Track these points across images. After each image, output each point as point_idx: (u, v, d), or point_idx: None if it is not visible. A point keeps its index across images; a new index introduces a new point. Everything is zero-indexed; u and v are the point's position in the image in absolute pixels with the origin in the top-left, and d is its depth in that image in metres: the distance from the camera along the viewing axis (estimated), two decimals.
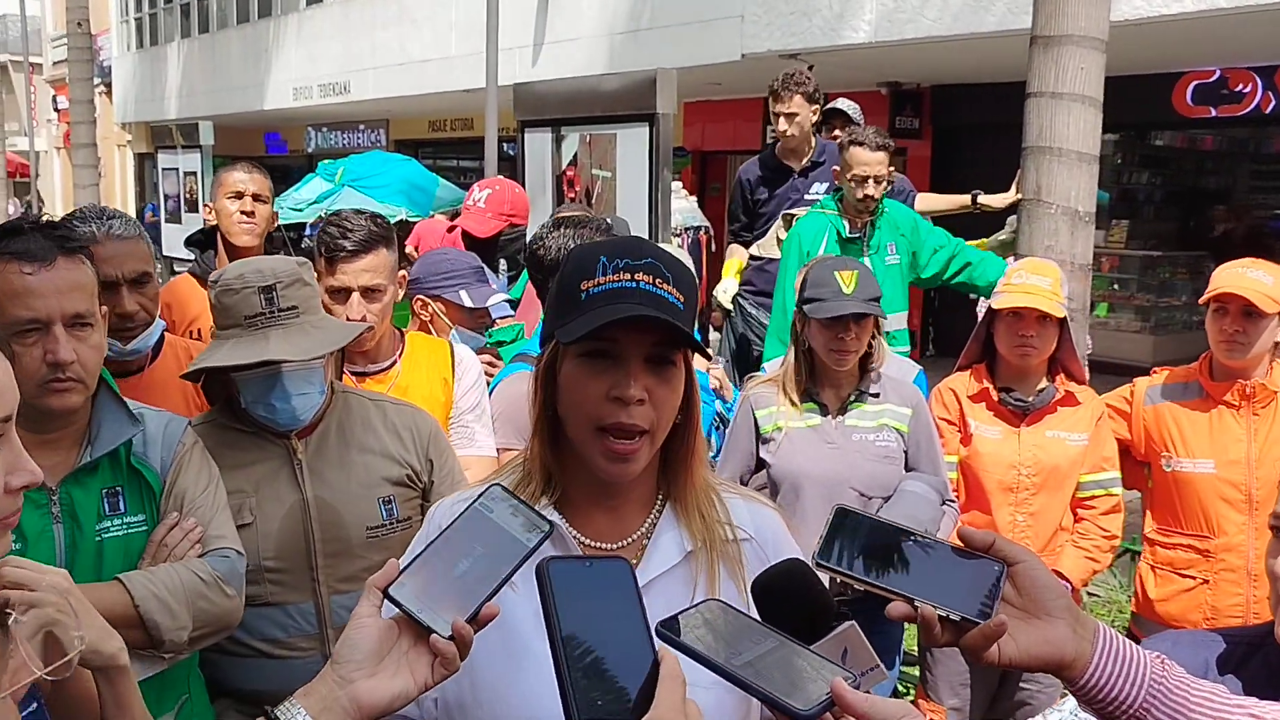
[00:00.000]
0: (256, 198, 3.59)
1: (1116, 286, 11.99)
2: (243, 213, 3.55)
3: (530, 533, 1.12)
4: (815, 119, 4.93)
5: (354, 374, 2.76)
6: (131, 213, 26.56)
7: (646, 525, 1.38)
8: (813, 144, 5.03)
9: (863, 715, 0.97)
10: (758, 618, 1.12)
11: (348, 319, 2.61)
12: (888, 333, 4.32)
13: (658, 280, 1.26)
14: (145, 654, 1.87)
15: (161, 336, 2.63)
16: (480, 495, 1.15)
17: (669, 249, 3.52)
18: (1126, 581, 5.29)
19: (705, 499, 1.39)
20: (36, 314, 1.78)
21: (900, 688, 4.19)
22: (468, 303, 3.34)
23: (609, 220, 3.48)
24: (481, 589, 1.06)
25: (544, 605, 1.02)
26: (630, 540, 1.37)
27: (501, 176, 5.76)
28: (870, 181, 4.21)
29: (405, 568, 1.08)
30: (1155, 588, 3.12)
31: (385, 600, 1.07)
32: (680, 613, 1.09)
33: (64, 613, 1.19)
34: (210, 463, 2.09)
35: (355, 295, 2.64)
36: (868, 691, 1.23)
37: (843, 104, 5.68)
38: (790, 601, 1.14)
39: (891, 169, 4.33)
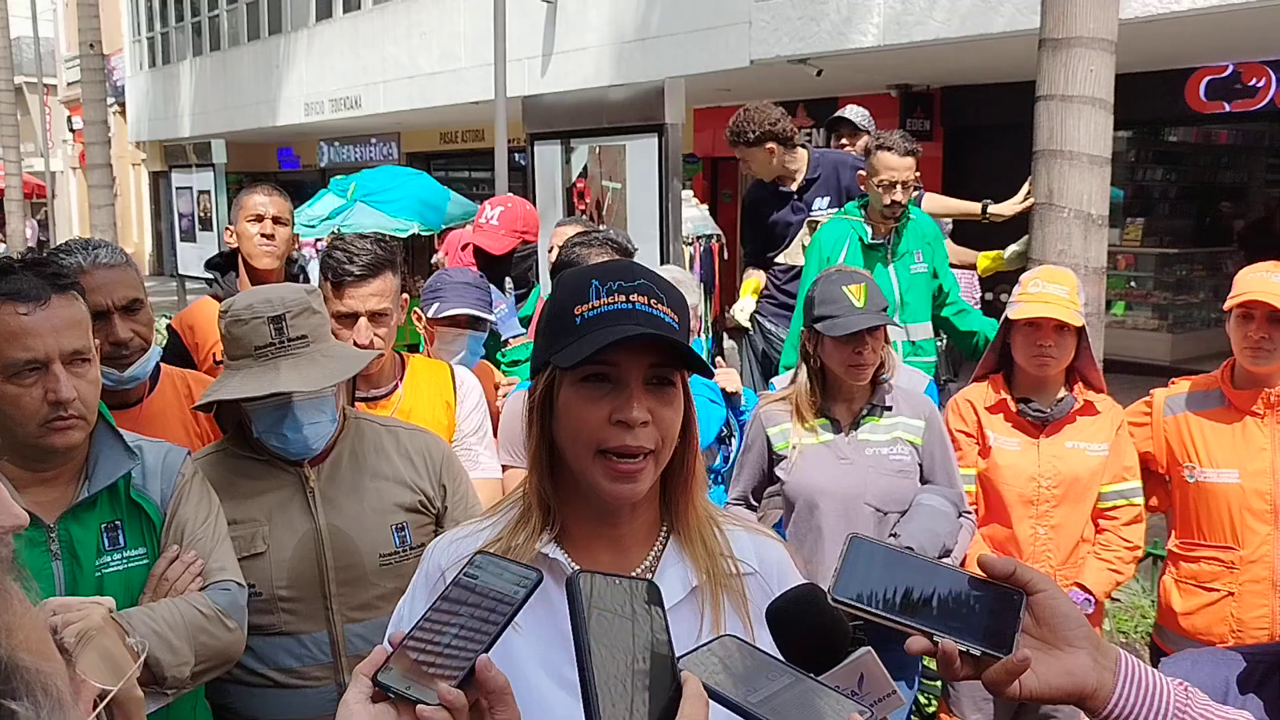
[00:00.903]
0: (277, 220, 3.61)
1: (1133, 284, 11.91)
2: (263, 235, 3.58)
3: (518, 587, 1.09)
4: (776, 155, 4.86)
5: (358, 399, 2.76)
6: (148, 233, 26.81)
7: (650, 559, 1.36)
8: (804, 163, 4.97)
9: None
10: (772, 653, 1.10)
11: (355, 344, 2.62)
12: (914, 342, 4.29)
13: (653, 301, 1.25)
14: (149, 690, 1.86)
15: (158, 366, 2.63)
16: (464, 566, 1.13)
17: (668, 271, 3.54)
18: (1150, 586, 5.23)
19: (708, 530, 1.37)
20: (35, 354, 1.77)
21: (922, 699, 4.15)
22: (429, 313, 3.32)
23: (626, 237, 3.46)
24: (471, 650, 1.04)
25: (573, 618, 1.01)
26: (634, 574, 1.35)
27: (512, 194, 5.76)
28: (898, 187, 4.16)
29: (392, 652, 1.06)
30: (1180, 601, 3.07)
31: (375, 686, 1.04)
32: (693, 649, 1.08)
33: (112, 627, 1.18)
34: (210, 493, 2.09)
35: (363, 320, 2.64)
36: (884, 718, 1.22)
37: (850, 111, 5.64)
38: (805, 628, 1.12)
39: (918, 175, 4.28)
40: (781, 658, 1.09)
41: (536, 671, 1.25)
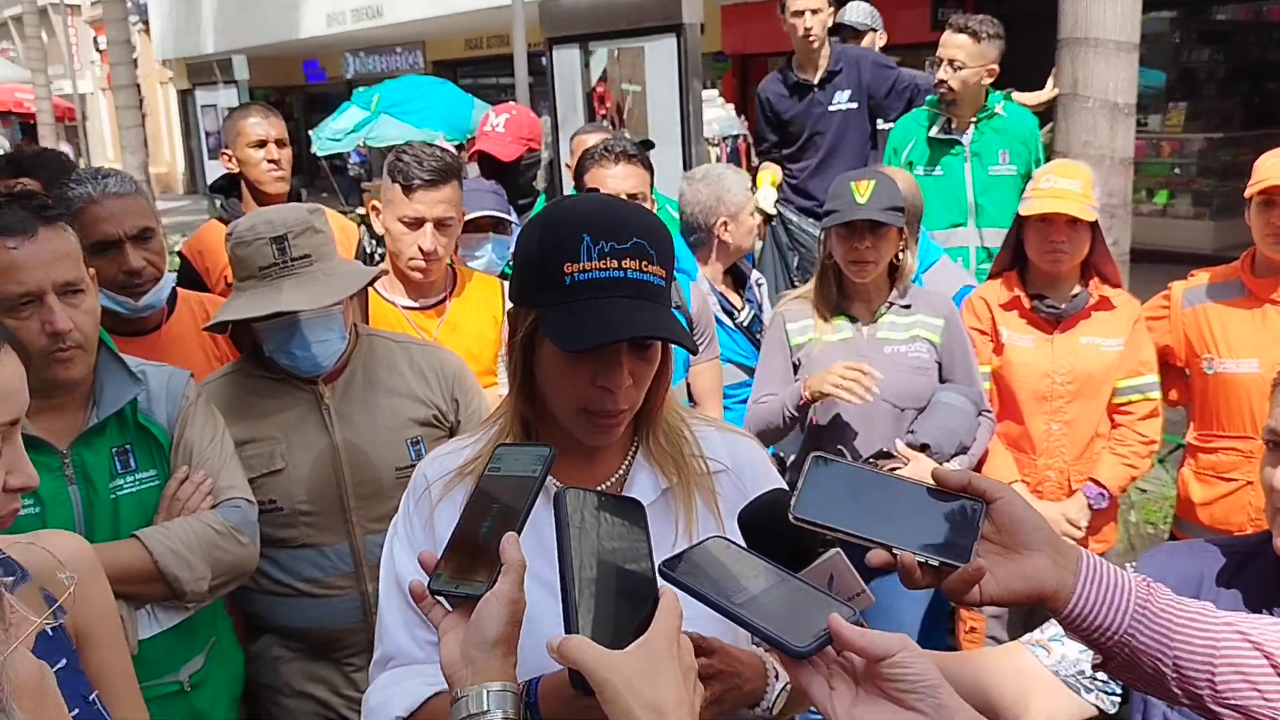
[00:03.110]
0: (279, 143, 3.61)
1: (1176, 171, 11.58)
2: (270, 161, 3.57)
3: (535, 465, 1.17)
4: (831, 22, 4.74)
5: (405, 308, 2.81)
6: (180, 152, 26.80)
7: (622, 470, 1.40)
8: (828, 53, 4.82)
9: (859, 650, 0.99)
10: (760, 554, 1.14)
11: (420, 248, 2.67)
12: (989, 250, 4.17)
13: (643, 264, 1.25)
14: (170, 604, 1.95)
15: (174, 292, 2.67)
16: (488, 462, 1.21)
17: (707, 170, 3.51)
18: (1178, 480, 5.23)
19: (676, 434, 1.41)
20: (28, 287, 1.80)
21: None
22: None
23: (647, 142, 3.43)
24: (508, 529, 1.11)
25: (557, 528, 1.07)
26: (607, 485, 1.40)
27: (512, 102, 5.69)
28: (944, 65, 4.03)
29: (438, 562, 1.14)
30: (1199, 491, 3.07)
31: (432, 598, 1.12)
32: (682, 551, 1.11)
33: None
34: (215, 414, 2.14)
35: (429, 225, 2.68)
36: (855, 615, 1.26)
37: (849, 12, 5.41)
38: (775, 532, 1.15)
39: (991, 66, 4.11)
40: (768, 558, 1.12)
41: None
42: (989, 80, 4.19)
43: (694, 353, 1.32)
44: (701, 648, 1.20)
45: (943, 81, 4.05)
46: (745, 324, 3.48)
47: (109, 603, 1.43)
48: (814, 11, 4.64)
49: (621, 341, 1.24)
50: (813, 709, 1.04)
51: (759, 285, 3.66)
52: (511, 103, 5.67)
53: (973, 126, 4.16)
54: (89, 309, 1.89)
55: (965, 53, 4.04)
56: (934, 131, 4.24)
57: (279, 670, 2.32)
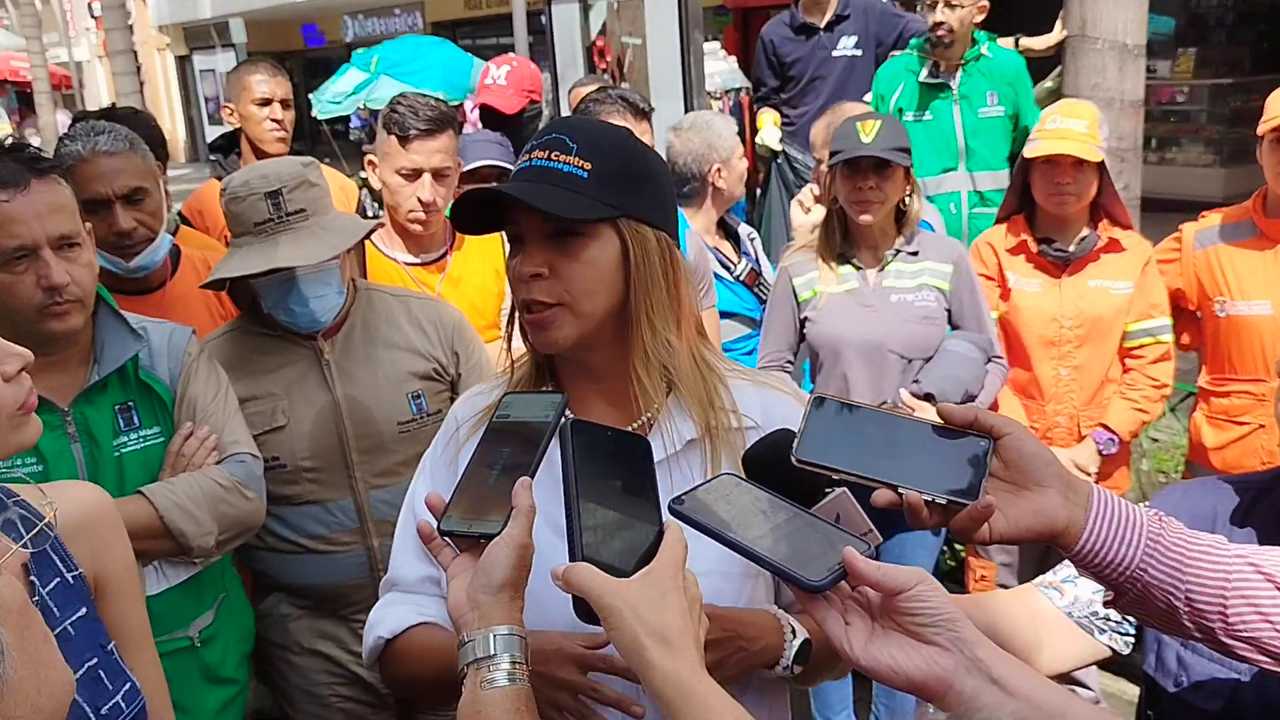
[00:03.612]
0: (284, 103, 3.57)
1: (1189, 118, 11.44)
2: (273, 120, 3.54)
3: (548, 410, 1.16)
4: None
5: (407, 264, 2.79)
6: (180, 119, 26.62)
7: (649, 414, 1.36)
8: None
9: (875, 583, 0.97)
10: (772, 490, 1.11)
11: (419, 199, 2.66)
12: (981, 193, 4.14)
13: (555, 154, 1.24)
14: (178, 560, 1.94)
15: (178, 250, 2.64)
16: (495, 409, 1.20)
17: (695, 116, 3.45)
18: (1189, 425, 5.21)
19: (709, 384, 1.36)
20: (22, 240, 1.77)
21: (956, 543, 4.20)
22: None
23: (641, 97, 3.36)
24: (520, 473, 1.10)
25: (563, 460, 1.05)
26: (630, 428, 1.35)
27: (512, 54, 5.62)
28: (940, 6, 3.97)
29: (448, 503, 1.13)
30: (1211, 436, 3.05)
31: (442, 538, 1.12)
32: (692, 488, 1.10)
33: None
34: (218, 370, 2.12)
35: (427, 176, 2.67)
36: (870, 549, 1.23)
37: None
38: (780, 474, 1.13)
39: (982, 3, 4.05)
40: (781, 492, 1.10)
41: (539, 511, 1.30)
42: (980, 18, 4.13)
43: (576, 220, 1.24)
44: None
45: (940, 24, 3.98)
46: (741, 276, 3.44)
47: (128, 555, 1.41)
48: None
49: (471, 203, 1.26)
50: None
51: (752, 240, 3.61)
52: (511, 54, 5.59)
53: (960, 69, 4.10)
54: (86, 263, 1.86)
55: None
56: (923, 75, 4.17)
57: (287, 628, 2.33)
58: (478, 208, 1.29)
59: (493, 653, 1.02)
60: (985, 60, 4.10)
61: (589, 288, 1.26)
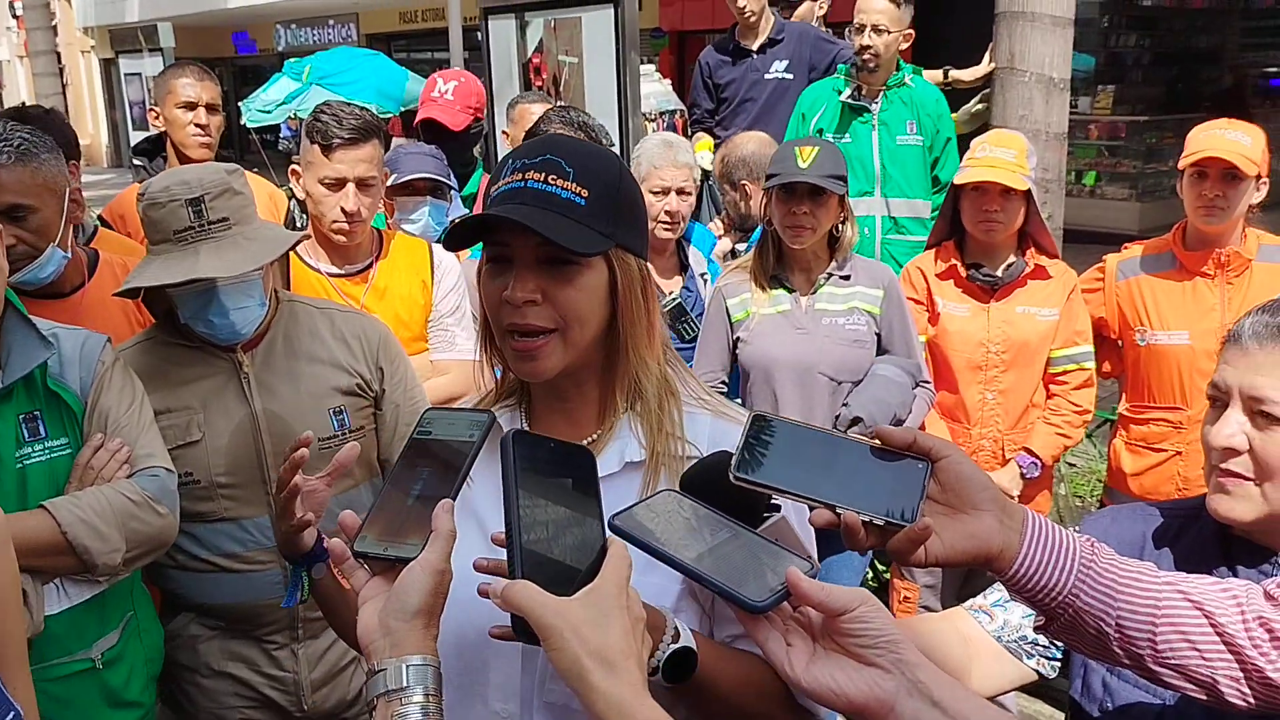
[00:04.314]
0: (210, 108, 3.48)
1: (1104, 153, 11.80)
2: (196, 125, 3.45)
3: (472, 431, 1.12)
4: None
5: (330, 275, 2.73)
6: (103, 123, 25.93)
7: (601, 432, 1.34)
8: (770, 23, 4.87)
9: (818, 604, 0.95)
10: (715, 508, 1.09)
11: (343, 209, 2.61)
12: (895, 219, 4.19)
13: (552, 177, 1.21)
14: (81, 578, 1.85)
15: (96, 254, 2.54)
16: (415, 427, 1.15)
17: (660, 136, 3.43)
18: (1106, 451, 5.34)
19: (663, 409, 1.34)
20: None
21: (878, 565, 4.24)
22: (387, 184, 3.26)
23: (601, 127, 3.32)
24: (440, 496, 1.05)
25: (504, 473, 1.01)
26: (585, 443, 1.32)
27: (460, 69, 5.57)
28: (868, 31, 4.02)
29: (362, 522, 1.07)
30: (1130, 462, 3.11)
31: (356, 559, 1.06)
32: (633, 504, 1.07)
33: None
34: (133, 380, 2.03)
35: (351, 185, 2.62)
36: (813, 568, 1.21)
37: None
38: (717, 497, 1.10)
39: (908, 31, 4.12)
40: (723, 512, 1.08)
41: (478, 525, 1.26)
42: (905, 45, 4.20)
43: (582, 255, 1.21)
44: None
45: (867, 47, 4.03)
46: (666, 309, 3.37)
47: (15, 572, 1.35)
48: None
49: (499, 224, 1.20)
50: None
51: (704, 277, 3.47)
52: (458, 69, 5.54)
53: (882, 95, 4.16)
54: None
55: (888, 17, 4.04)
56: (844, 96, 4.22)
57: (197, 649, 2.24)
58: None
59: (405, 684, 0.97)
60: (907, 89, 4.16)
61: (582, 315, 1.25)
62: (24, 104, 5.32)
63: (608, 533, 1.03)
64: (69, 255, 2.36)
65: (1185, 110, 11.82)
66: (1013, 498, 3.06)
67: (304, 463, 1.35)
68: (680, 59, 14.73)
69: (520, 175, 1.22)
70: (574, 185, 1.22)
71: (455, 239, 1.27)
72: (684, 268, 3.44)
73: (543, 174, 1.21)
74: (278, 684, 2.25)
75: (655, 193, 3.18)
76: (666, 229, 3.23)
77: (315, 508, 1.45)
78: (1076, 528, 1.53)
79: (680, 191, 3.21)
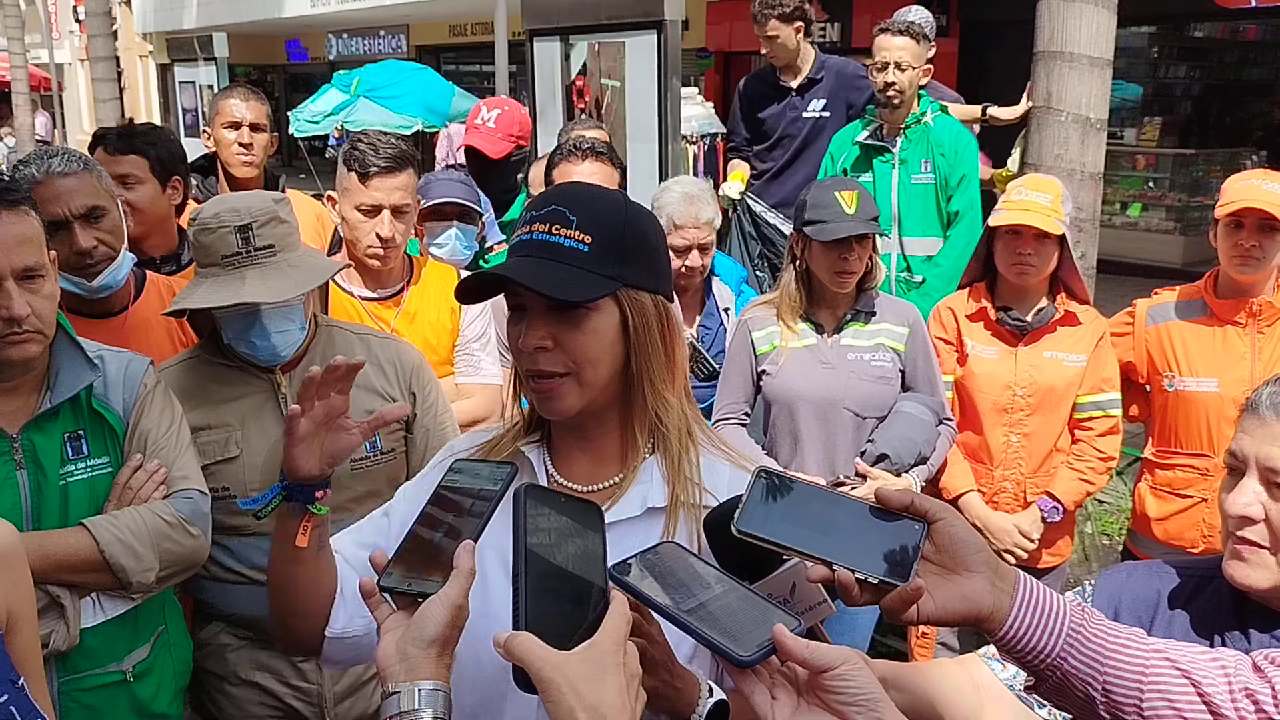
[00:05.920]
0: (255, 127, 3.58)
1: (1151, 185, 11.69)
2: (241, 145, 3.55)
3: (495, 483, 1.19)
4: (800, 36, 4.75)
5: (363, 299, 2.80)
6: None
7: (623, 474, 1.38)
8: (810, 61, 4.86)
9: (802, 661, 0.99)
10: (714, 562, 1.14)
11: (378, 235, 2.68)
12: (907, 258, 4.21)
13: (556, 227, 1.27)
14: (116, 594, 1.93)
15: (144, 275, 2.63)
16: (445, 474, 1.23)
17: (683, 183, 3.39)
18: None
19: (684, 455, 1.38)
20: None
21: None
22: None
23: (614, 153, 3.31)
24: (463, 538, 1.12)
25: (514, 524, 1.07)
26: (604, 486, 1.39)
27: (509, 97, 5.67)
28: (890, 69, 4.02)
29: (389, 561, 1.15)
30: (1155, 507, 3.10)
31: (382, 594, 1.13)
32: (633, 555, 1.11)
33: None
34: (173, 402, 2.11)
35: (386, 212, 2.69)
36: (818, 624, 1.25)
37: (913, 12, 5.00)
38: (733, 541, 1.15)
39: (928, 65, 4.12)
40: (719, 566, 1.13)
41: (493, 563, 1.32)
42: (925, 80, 4.20)
43: (574, 304, 1.26)
44: (641, 630, 1.18)
45: (891, 84, 4.04)
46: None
47: (32, 588, 1.43)
48: (770, 39, 4.75)
49: (523, 293, 1.27)
50: None
51: (726, 312, 3.42)
52: (505, 97, 5.64)
53: (902, 134, 4.16)
54: (48, 294, 1.86)
55: (909, 53, 4.04)
56: (863, 137, 4.23)
57: (226, 658, 2.31)
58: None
59: (416, 707, 1.03)
60: (925, 127, 4.16)
61: (593, 357, 1.30)
62: (130, 119, 5.48)
63: (610, 587, 1.08)
64: (135, 260, 2.49)
65: (1233, 144, 11.71)
66: (1033, 541, 3.06)
67: (316, 378, 1.32)
68: (726, 79, 14.78)
69: (528, 228, 1.29)
70: (577, 233, 1.27)
71: (470, 294, 1.33)
72: (701, 305, 3.44)
73: (548, 225, 1.27)
74: (302, 695, 2.31)
75: (676, 249, 3.16)
76: (684, 281, 3.25)
77: (338, 448, 1.36)
78: (1092, 580, 1.56)
79: (701, 248, 3.20)
